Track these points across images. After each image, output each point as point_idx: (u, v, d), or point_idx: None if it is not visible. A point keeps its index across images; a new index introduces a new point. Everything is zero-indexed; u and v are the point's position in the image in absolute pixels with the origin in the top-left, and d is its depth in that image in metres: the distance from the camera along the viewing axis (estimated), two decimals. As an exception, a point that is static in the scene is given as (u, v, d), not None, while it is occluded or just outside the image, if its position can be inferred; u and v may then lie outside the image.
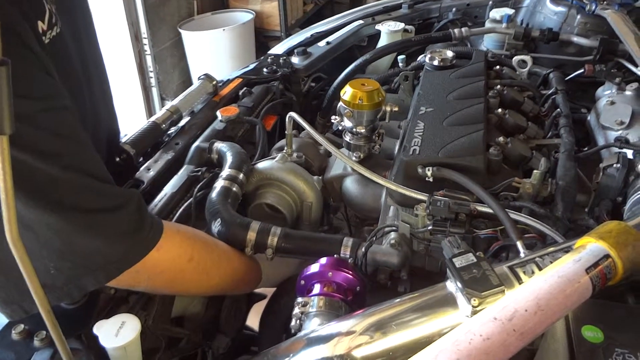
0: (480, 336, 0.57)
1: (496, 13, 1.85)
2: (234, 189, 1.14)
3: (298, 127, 1.28)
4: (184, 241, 0.92)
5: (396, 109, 1.22)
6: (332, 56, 1.89)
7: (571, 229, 0.97)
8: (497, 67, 1.55)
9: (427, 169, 1.03)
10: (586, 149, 1.28)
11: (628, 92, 1.38)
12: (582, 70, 1.55)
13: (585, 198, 1.14)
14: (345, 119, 1.22)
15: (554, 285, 0.63)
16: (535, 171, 1.02)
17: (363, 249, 0.98)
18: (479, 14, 2.12)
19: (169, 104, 1.45)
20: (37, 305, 0.61)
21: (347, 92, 1.19)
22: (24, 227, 0.69)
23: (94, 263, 0.77)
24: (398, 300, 0.78)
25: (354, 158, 1.23)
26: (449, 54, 1.51)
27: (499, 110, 1.27)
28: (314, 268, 0.91)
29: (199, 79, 1.60)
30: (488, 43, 1.89)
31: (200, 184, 1.18)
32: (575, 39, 1.74)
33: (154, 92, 3.80)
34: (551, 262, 0.73)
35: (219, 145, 1.26)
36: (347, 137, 1.25)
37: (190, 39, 3.91)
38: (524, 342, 0.60)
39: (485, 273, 0.73)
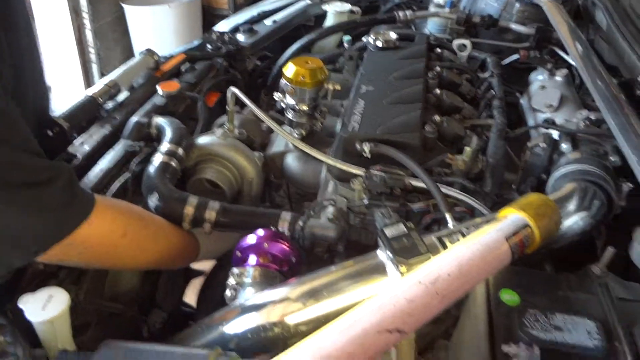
0: (405, 299, 0.60)
1: (440, -2, 1.90)
2: (173, 163, 1.12)
3: (242, 104, 1.27)
4: (117, 217, 0.90)
5: (338, 87, 1.24)
6: (278, 35, 1.88)
7: (498, 203, 1.01)
8: (438, 50, 1.59)
9: (365, 144, 1.05)
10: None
11: (558, 78, 1.46)
12: (517, 56, 1.62)
13: (514, 177, 1.20)
14: (287, 96, 1.23)
15: (475, 252, 0.66)
16: (466, 148, 1.06)
17: (301, 223, 1.00)
18: (424, -2, 2.16)
19: (106, 78, 1.40)
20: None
21: (289, 69, 1.19)
22: None
23: (21, 238, 0.75)
24: (331, 269, 0.80)
25: (295, 135, 1.24)
26: (392, 35, 1.53)
27: (437, 90, 1.31)
28: (250, 239, 0.92)
29: (140, 53, 1.55)
30: (431, 27, 1.93)
31: (138, 158, 1.16)
32: (514, 26, 1.81)
33: (94, 68, 3.65)
34: (476, 232, 0.76)
35: (158, 119, 1.24)
36: (289, 115, 1.25)
37: (134, 14, 3.77)
38: (445, 305, 0.63)
39: (414, 242, 0.76)
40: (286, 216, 1.02)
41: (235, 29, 1.85)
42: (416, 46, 1.51)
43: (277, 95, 1.26)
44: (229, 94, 1.21)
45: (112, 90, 1.37)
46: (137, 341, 0.69)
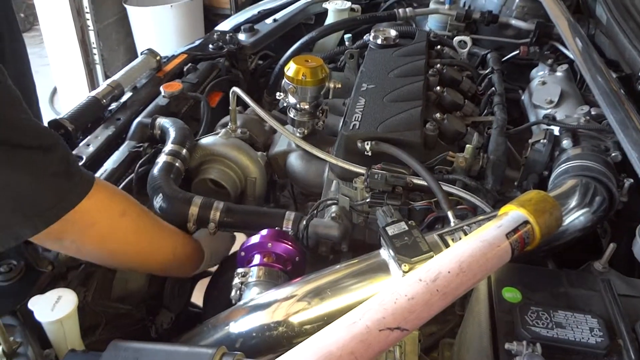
0: (405, 296, 0.60)
1: (440, -6, 1.90)
2: (177, 164, 1.13)
3: (244, 104, 1.28)
4: (115, 194, 0.90)
5: (339, 85, 1.24)
6: (279, 34, 1.88)
7: (500, 200, 1.02)
8: (439, 47, 1.59)
9: (366, 143, 1.06)
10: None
11: (559, 73, 1.46)
12: (517, 52, 1.62)
13: (516, 174, 1.20)
14: (289, 95, 1.23)
15: (475, 249, 0.67)
16: (468, 146, 1.06)
17: (304, 222, 1.00)
18: (424, -5, 2.15)
19: (110, 79, 1.41)
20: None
21: (290, 68, 1.20)
22: None
23: (28, 208, 0.74)
24: (334, 268, 0.81)
25: (297, 134, 1.25)
26: (393, 33, 1.54)
27: (438, 88, 1.32)
28: (254, 239, 0.93)
29: (141, 54, 1.56)
30: (431, 23, 1.93)
31: (142, 159, 1.17)
32: (514, 21, 1.81)
33: (98, 69, 3.67)
34: (477, 229, 0.77)
35: (162, 120, 1.25)
36: (291, 114, 1.26)
37: (136, 14, 3.78)
38: (446, 302, 0.64)
39: (415, 240, 0.77)
40: (290, 216, 1.03)
41: (237, 29, 1.86)
42: (416, 43, 1.52)
43: (279, 95, 1.26)
44: (231, 94, 1.22)
45: (115, 91, 1.38)
46: (145, 342, 0.70)
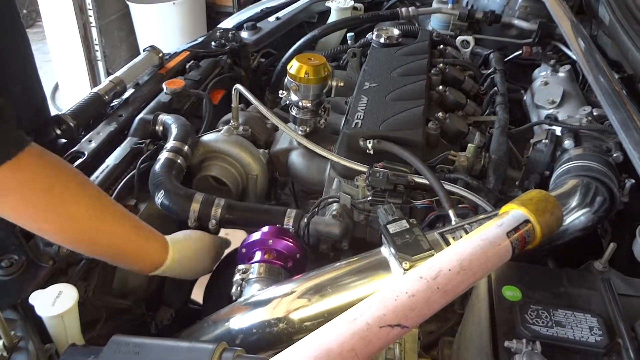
0: (406, 293, 0.61)
1: (443, -6, 1.90)
2: (179, 161, 1.13)
3: (247, 102, 1.28)
4: (48, 167, 0.79)
5: (342, 84, 1.24)
6: (281, 32, 1.88)
7: (501, 199, 1.02)
8: (441, 46, 1.60)
9: (368, 141, 1.06)
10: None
11: (561, 74, 1.46)
12: (520, 52, 1.62)
13: (518, 173, 1.20)
14: (291, 93, 1.24)
15: (476, 247, 0.67)
16: (469, 145, 1.06)
17: (305, 220, 1.01)
18: (427, -6, 2.15)
19: (112, 76, 1.41)
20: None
21: (293, 66, 1.20)
22: None
23: None
24: (335, 265, 0.81)
25: (299, 132, 1.25)
26: (395, 32, 1.54)
27: (440, 87, 1.32)
28: (255, 236, 0.93)
29: (144, 50, 1.56)
30: (434, 23, 1.93)
31: (144, 155, 1.17)
32: (517, 21, 1.81)
33: (100, 66, 3.67)
34: (478, 228, 0.77)
35: (164, 117, 1.25)
36: (294, 111, 1.26)
37: (139, 11, 3.79)
38: (447, 300, 0.64)
39: (417, 238, 0.77)
40: (291, 213, 1.03)
41: (240, 26, 1.86)
42: (419, 43, 1.52)
43: (281, 93, 1.27)
44: (234, 92, 1.22)
45: (117, 87, 1.38)
46: (146, 337, 0.70)
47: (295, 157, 1.29)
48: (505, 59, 1.64)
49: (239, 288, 0.87)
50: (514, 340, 0.66)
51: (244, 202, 1.17)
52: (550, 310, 0.70)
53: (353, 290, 0.77)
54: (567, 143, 1.09)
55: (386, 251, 0.79)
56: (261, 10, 1.98)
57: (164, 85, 1.37)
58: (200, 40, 1.73)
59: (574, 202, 0.94)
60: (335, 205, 1.06)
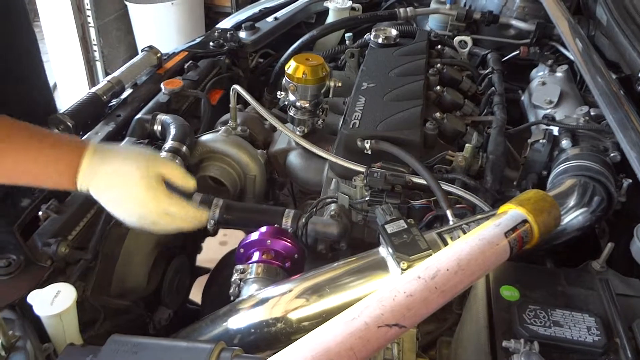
0: (404, 293, 0.61)
1: (441, -6, 1.90)
2: (177, 161, 1.13)
3: (245, 102, 1.28)
4: None
5: (339, 84, 1.25)
6: (280, 32, 1.88)
7: (499, 199, 1.02)
8: (439, 46, 1.60)
9: (365, 141, 1.06)
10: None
11: (558, 74, 1.46)
12: (517, 52, 1.62)
13: (515, 173, 1.20)
14: (289, 93, 1.24)
15: (474, 247, 0.68)
16: (467, 145, 1.07)
17: (304, 220, 1.01)
18: (425, -6, 2.16)
19: (110, 76, 1.41)
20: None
21: (291, 67, 1.20)
22: None
23: None
24: (333, 265, 0.81)
25: (298, 132, 1.25)
26: (393, 32, 1.54)
27: (438, 87, 1.32)
28: (254, 236, 0.93)
29: (142, 50, 1.56)
30: (432, 23, 1.94)
31: (142, 156, 1.17)
32: (514, 22, 1.81)
33: (98, 66, 3.67)
34: (475, 228, 0.77)
35: (162, 117, 1.25)
36: (292, 112, 1.26)
37: (137, 11, 3.78)
38: (445, 299, 0.64)
39: (414, 238, 0.77)
40: (289, 213, 1.03)
41: (238, 26, 1.86)
42: (417, 43, 1.52)
43: (279, 93, 1.27)
44: (232, 92, 1.22)
45: (115, 87, 1.38)
46: (144, 336, 0.70)
47: (294, 158, 1.29)
48: (503, 59, 1.64)
49: (237, 288, 0.87)
50: (512, 340, 0.66)
51: (242, 203, 1.17)
52: (548, 310, 0.70)
53: (351, 290, 0.78)
54: (565, 143, 1.10)
55: (384, 251, 0.79)
56: (259, 10, 1.98)
57: (162, 86, 1.37)
58: (198, 40, 1.73)
59: (571, 202, 0.94)
60: (333, 206, 1.06)
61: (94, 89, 1.34)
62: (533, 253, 0.88)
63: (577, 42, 1.39)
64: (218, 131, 1.26)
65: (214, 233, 1.15)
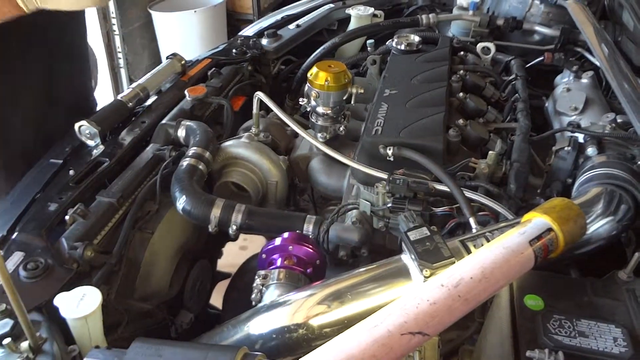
0: (428, 301, 0.60)
1: (463, 0, 1.89)
2: (200, 167, 1.15)
3: (267, 108, 1.30)
4: None
5: (362, 91, 1.25)
6: (302, 39, 1.89)
7: (523, 207, 1.01)
8: (462, 53, 1.59)
9: (388, 148, 1.06)
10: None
11: (584, 80, 1.44)
12: (541, 58, 1.61)
13: (539, 181, 1.19)
14: (312, 100, 1.24)
15: (498, 256, 0.67)
16: (490, 152, 1.06)
17: (325, 226, 1.01)
18: (447, 0, 2.15)
19: (136, 83, 1.44)
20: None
21: (314, 74, 1.21)
22: None
23: None
24: (355, 271, 0.81)
25: (319, 138, 1.26)
26: (416, 38, 1.54)
27: (461, 94, 1.31)
28: (276, 242, 0.94)
29: (167, 58, 1.59)
30: (454, 30, 1.92)
31: (166, 162, 1.19)
32: (538, 27, 1.79)
33: (123, 73, 3.73)
34: (499, 236, 0.76)
35: (186, 124, 1.27)
36: (314, 118, 1.27)
37: (161, 19, 3.85)
38: (468, 308, 0.63)
39: (437, 246, 0.77)
40: (310, 219, 1.04)
41: (260, 34, 1.88)
42: (439, 49, 1.52)
43: (302, 100, 1.27)
44: (255, 99, 1.23)
45: (141, 94, 1.40)
46: (168, 340, 0.71)
47: (315, 164, 1.29)
48: (527, 66, 1.62)
49: (259, 293, 0.87)
50: (537, 350, 0.65)
51: (264, 208, 1.17)
52: (574, 320, 0.69)
53: (373, 297, 0.77)
54: (590, 150, 1.08)
55: (407, 258, 0.78)
56: (282, 17, 2.00)
57: (186, 93, 1.39)
58: (221, 47, 1.75)
59: (597, 211, 0.92)
60: (354, 212, 1.06)
61: (119, 96, 1.36)
62: (558, 262, 0.87)
63: (603, 47, 1.37)
64: (241, 137, 1.27)
65: (235, 238, 1.16)
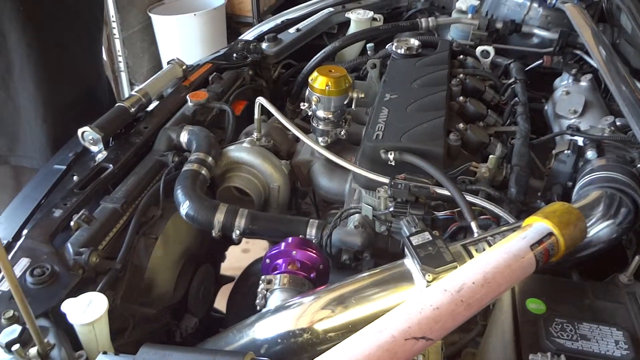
0: (431, 306, 0.61)
1: (462, 4, 1.90)
2: (203, 172, 1.15)
3: (268, 113, 1.30)
4: None
5: (362, 95, 1.26)
6: (302, 43, 1.90)
7: (524, 211, 1.02)
8: (461, 56, 1.60)
9: (389, 153, 1.07)
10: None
11: (583, 83, 1.45)
12: (540, 61, 1.62)
13: (540, 184, 1.20)
14: (313, 104, 1.25)
15: (500, 261, 0.68)
16: (491, 156, 1.07)
17: (327, 230, 1.02)
18: (446, 4, 2.16)
19: (137, 88, 1.44)
20: (7, 281, 0.62)
21: (315, 79, 1.22)
22: None
23: None
24: (358, 276, 0.82)
25: (321, 143, 1.27)
26: (415, 42, 1.54)
27: (461, 98, 1.32)
28: (279, 247, 0.94)
29: (168, 63, 1.60)
30: (454, 33, 1.93)
31: (169, 167, 1.20)
32: (537, 31, 1.80)
33: (123, 77, 3.74)
34: (501, 240, 0.77)
35: (188, 129, 1.27)
36: (315, 123, 1.28)
37: (161, 23, 3.86)
38: (471, 312, 0.64)
39: (439, 250, 0.77)
40: (313, 224, 1.05)
41: (260, 38, 1.88)
42: (439, 53, 1.52)
43: (303, 105, 1.28)
44: (256, 104, 1.24)
45: (143, 99, 1.41)
46: (175, 346, 0.71)
47: (317, 168, 1.30)
48: (526, 69, 1.63)
49: (263, 298, 0.88)
50: (539, 354, 0.66)
51: (266, 213, 1.18)
52: (575, 323, 0.70)
53: (376, 301, 0.78)
54: (590, 154, 1.09)
55: (409, 263, 0.79)
56: (282, 22, 2.00)
57: (188, 98, 1.40)
58: (222, 52, 1.76)
59: (597, 214, 0.93)
60: (357, 216, 1.07)
61: (121, 102, 1.37)
62: (559, 265, 0.88)
63: (601, 50, 1.38)
64: (242, 142, 1.28)
65: (238, 243, 1.17)
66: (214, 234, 1.07)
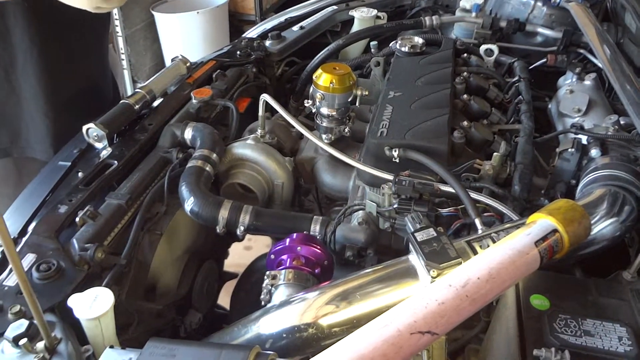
0: (436, 301, 0.62)
1: (466, 2, 1.90)
2: (207, 168, 1.16)
3: (272, 110, 1.31)
4: None
5: (366, 92, 1.26)
6: (305, 41, 1.91)
7: (527, 208, 1.02)
8: (465, 55, 1.60)
9: (393, 150, 1.07)
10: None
11: (587, 82, 1.45)
12: (544, 60, 1.62)
13: (543, 182, 1.20)
14: (317, 102, 1.26)
15: (505, 257, 0.68)
16: (495, 154, 1.07)
17: (331, 227, 1.02)
18: (450, 2, 2.16)
19: (141, 85, 1.45)
20: (16, 275, 0.63)
21: (319, 76, 1.22)
22: None
23: None
24: (363, 272, 0.83)
25: (325, 140, 1.27)
26: (419, 40, 1.55)
27: (465, 96, 1.32)
28: (284, 243, 0.95)
29: (172, 60, 1.60)
30: (458, 31, 1.94)
31: (174, 164, 1.20)
32: (541, 29, 1.81)
33: (126, 74, 3.75)
34: (505, 237, 0.77)
35: (192, 126, 1.28)
36: (319, 120, 1.28)
37: (164, 21, 3.86)
38: (476, 307, 0.65)
39: (444, 246, 0.78)
40: (317, 220, 1.05)
41: (264, 35, 1.89)
42: (443, 51, 1.53)
43: (307, 102, 1.29)
44: (260, 101, 1.25)
45: (147, 96, 1.41)
46: (181, 340, 0.72)
47: (321, 165, 1.31)
48: (530, 67, 1.64)
49: (268, 293, 0.89)
50: (543, 349, 0.66)
51: (270, 209, 1.19)
52: (579, 319, 0.70)
53: (381, 297, 0.79)
54: (594, 152, 1.09)
55: (414, 259, 0.80)
56: (285, 19, 2.01)
57: (192, 95, 1.41)
58: (225, 49, 1.76)
59: (601, 212, 0.94)
60: (360, 213, 1.07)
61: (126, 99, 1.37)
62: (562, 262, 0.88)
63: (605, 49, 1.39)
64: (247, 139, 1.28)
65: (242, 239, 1.17)
66: (218, 230, 1.07)
